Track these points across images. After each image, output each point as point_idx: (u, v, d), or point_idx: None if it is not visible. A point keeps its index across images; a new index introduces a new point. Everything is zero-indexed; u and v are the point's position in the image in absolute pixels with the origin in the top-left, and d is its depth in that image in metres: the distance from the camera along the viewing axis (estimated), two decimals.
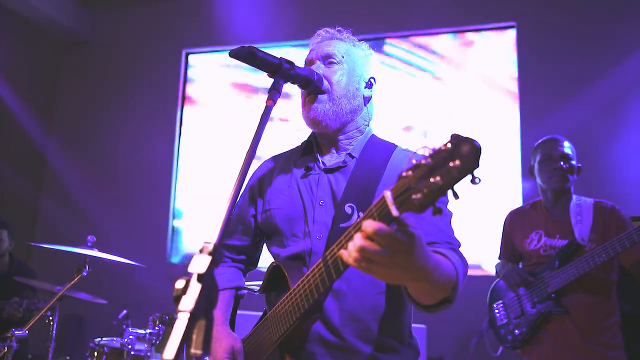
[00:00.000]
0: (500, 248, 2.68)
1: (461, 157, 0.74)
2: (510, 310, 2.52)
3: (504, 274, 2.52)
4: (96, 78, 5.46)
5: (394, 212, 0.82)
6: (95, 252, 2.62)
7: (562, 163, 2.40)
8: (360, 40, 1.50)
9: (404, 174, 0.81)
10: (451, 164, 0.74)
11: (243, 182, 1.02)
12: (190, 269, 0.81)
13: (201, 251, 0.83)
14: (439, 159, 0.76)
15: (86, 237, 2.70)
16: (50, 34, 5.44)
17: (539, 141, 2.54)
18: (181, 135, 5.18)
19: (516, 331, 2.46)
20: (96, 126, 5.32)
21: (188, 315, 0.76)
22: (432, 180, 0.76)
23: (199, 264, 0.81)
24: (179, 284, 0.79)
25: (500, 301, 2.61)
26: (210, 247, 0.83)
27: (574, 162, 2.43)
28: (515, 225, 2.58)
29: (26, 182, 5.17)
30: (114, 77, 5.39)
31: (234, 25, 5.02)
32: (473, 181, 0.74)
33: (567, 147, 2.45)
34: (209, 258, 0.82)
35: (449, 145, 0.76)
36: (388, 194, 0.83)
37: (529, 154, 2.64)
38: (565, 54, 4.16)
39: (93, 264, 2.68)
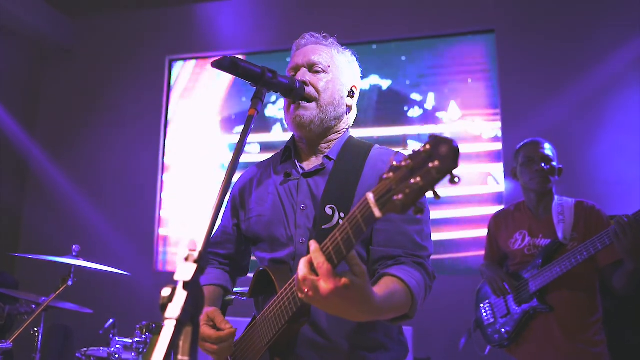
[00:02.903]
0: (485, 250, 2.71)
1: (440, 157, 0.75)
2: (497, 310, 2.56)
3: (488, 278, 2.56)
4: (79, 85, 5.41)
5: (377, 213, 0.84)
6: (80, 262, 2.60)
7: (543, 164, 2.44)
8: (343, 47, 1.53)
9: (385, 175, 0.83)
10: (430, 164, 0.76)
11: (227, 190, 1.04)
12: (176, 277, 0.82)
13: (186, 259, 0.84)
14: (419, 160, 0.78)
15: (71, 247, 2.68)
16: (33, 43, 5.38)
17: (521, 143, 2.59)
18: (166, 142, 5.16)
19: (502, 330, 2.50)
20: (80, 134, 5.27)
21: (174, 322, 0.77)
22: (412, 181, 0.77)
23: (185, 272, 0.82)
24: (165, 292, 0.81)
25: (487, 301, 2.64)
26: (196, 255, 0.84)
27: (555, 164, 2.47)
28: (500, 227, 2.62)
29: (9, 190, 5.10)
30: (98, 85, 5.34)
31: (217, 32, 5.02)
32: (452, 181, 0.75)
33: (548, 149, 2.49)
34: (195, 266, 0.83)
35: (428, 146, 0.77)
36: (370, 196, 0.85)
37: (510, 156, 2.68)
38: (543, 57, 4.23)
39: (78, 274, 2.66)
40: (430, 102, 4.52)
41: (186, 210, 4.95)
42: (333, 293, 0.93)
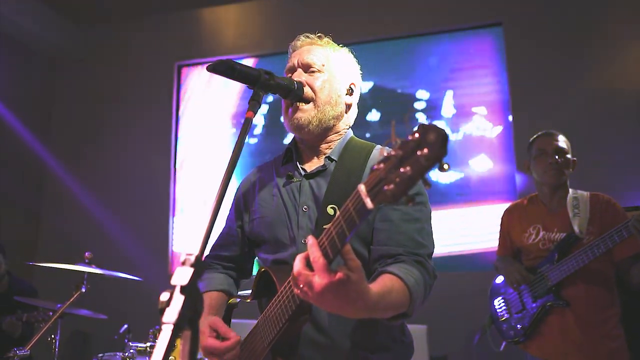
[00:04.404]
0: (499, 244, 2.68)
1: (428, 145, 0.75)
2: (512, 305, 2.53)
3: (505, 271, 2.53)
4: (91, 94, 5.48)
5: (369, 204, 0.84)
6: (92, 269, 2.64)
7: (557, 157, 2.41)
8: (343, 46, 1.52)
9: (375, 167, 0.83)
10: (419, 152, 0.75)
11: (224, 193, 1.03)
12: (173, 282, 0.82)
13: (183, 263, 0.84)
14: (408, 149, 0.78)
15: (84, 253, 2.72)
16: (45, 53, 5.48)
17: (535, 136, 2.55)
18: (177, 147, 5.20)
19: (518, 326, 2.47)
20: (93, 142, 5.34)
21: (171, 327, 0.77)
22: (402, 170, 0.77)
23: (182, 276, 0.82)
24: (163, 296, 0.81)
25: (501, 297, 2.61)
26: (193, 259, 0.84)
27: (569, 156, 2.44)
28: (513, 220, 2.59)
29: (26, 200, 5.20)
30: (109, 92, 5.41)
31: (226, 37, 5.05)
32: (442, 168, 0.75)
33: (562, 141, 2.45)
34: (191, 270, 0.83)
35: (416, 135, 0.77)
36: (362, 187, 0.85)
37: (521, 148, 2.65)
38: (552, 49, 4.18)
39: (93, 280, 2.69)
40: (437, 98, 4.49)
41: (199, 214, 4.98)
42: (327, 288, 0.92)
